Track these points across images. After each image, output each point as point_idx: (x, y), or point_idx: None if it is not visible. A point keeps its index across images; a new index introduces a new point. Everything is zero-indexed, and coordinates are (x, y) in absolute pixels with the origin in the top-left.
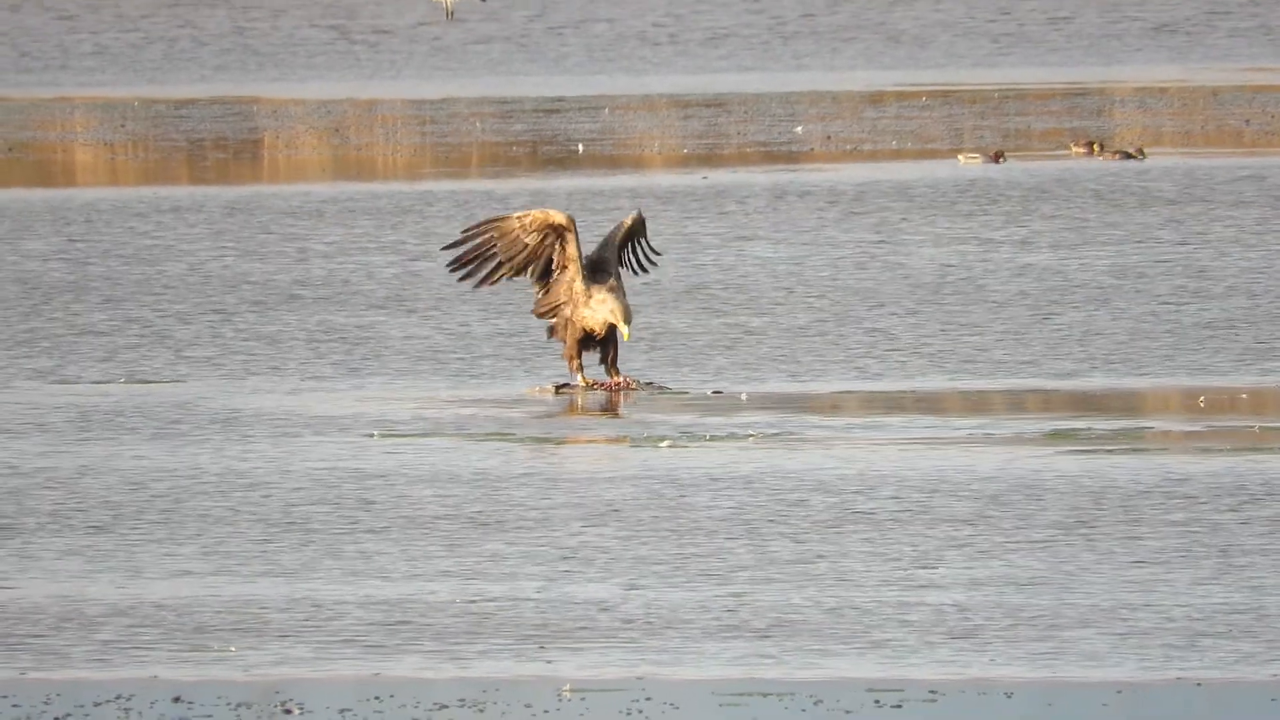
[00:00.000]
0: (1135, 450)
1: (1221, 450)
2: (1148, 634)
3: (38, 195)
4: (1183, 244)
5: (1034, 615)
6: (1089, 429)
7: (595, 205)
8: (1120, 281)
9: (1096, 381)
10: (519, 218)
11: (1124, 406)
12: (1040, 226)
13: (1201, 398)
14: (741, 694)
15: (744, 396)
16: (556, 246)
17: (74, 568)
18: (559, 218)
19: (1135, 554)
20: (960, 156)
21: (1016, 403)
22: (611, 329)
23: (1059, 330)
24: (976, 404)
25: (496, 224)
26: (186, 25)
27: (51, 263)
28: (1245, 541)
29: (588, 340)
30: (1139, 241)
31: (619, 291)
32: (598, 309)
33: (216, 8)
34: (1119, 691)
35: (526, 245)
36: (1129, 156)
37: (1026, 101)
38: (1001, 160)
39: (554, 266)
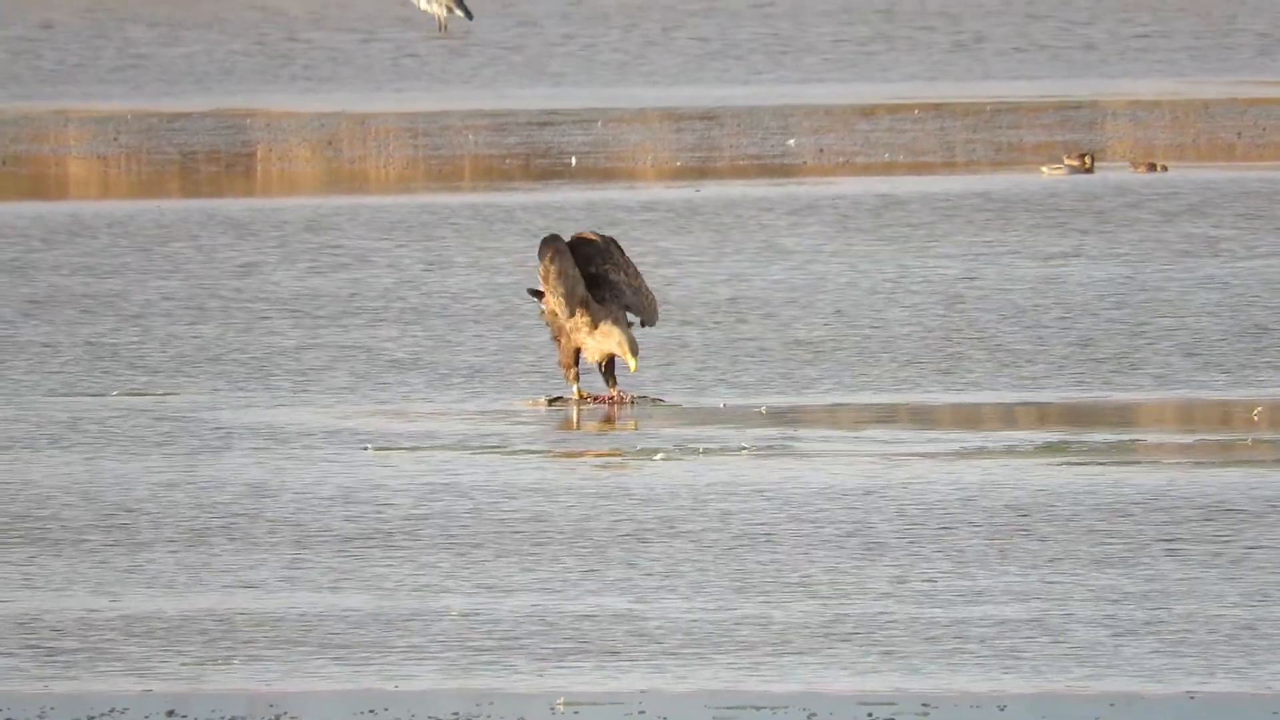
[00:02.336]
0: (1129, 463)
1: (1214, 464)
2: (1142, 646)
3: (47, 209)
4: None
5: (1028, 627)
6: (1084, 441)
7: (588, 217)
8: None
9: (1116, 395)
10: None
11: (1120, 420)
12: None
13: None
14: (735, 707)
15: (763, 410)
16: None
17: (69, 579)
18: (544, 252)
19: (1130, 566)
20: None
21: (1005, 415)
22: (612, 355)
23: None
24: (969, 417)
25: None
26: (179, 39)
27: (74, 277)
28: (1250, 554)
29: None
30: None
31: (623, 321)
32: (602, 342)
33: (210, 22)
34: (1112, 704)
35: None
36: (1153, 168)
37: (1019, 115)
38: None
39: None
